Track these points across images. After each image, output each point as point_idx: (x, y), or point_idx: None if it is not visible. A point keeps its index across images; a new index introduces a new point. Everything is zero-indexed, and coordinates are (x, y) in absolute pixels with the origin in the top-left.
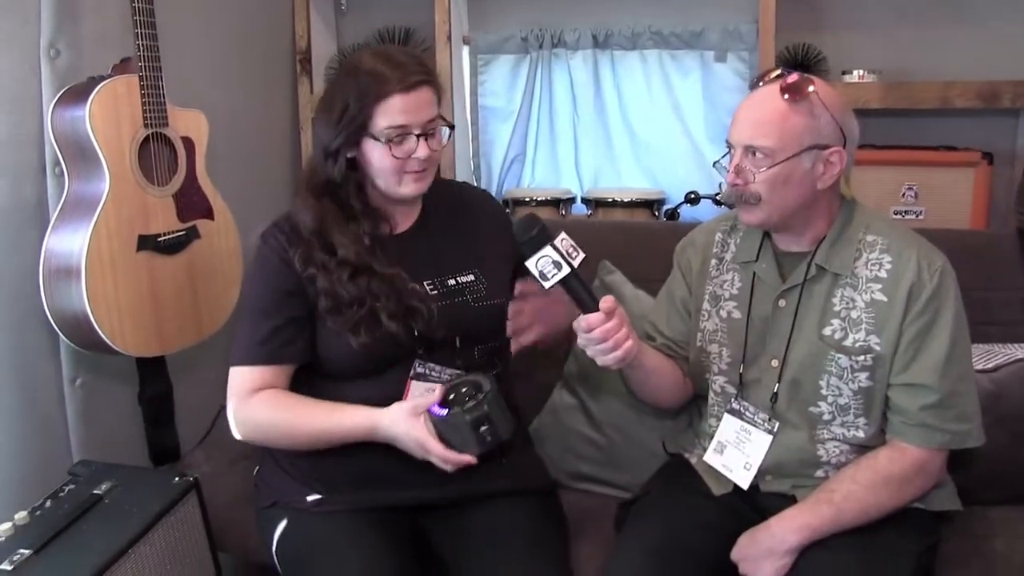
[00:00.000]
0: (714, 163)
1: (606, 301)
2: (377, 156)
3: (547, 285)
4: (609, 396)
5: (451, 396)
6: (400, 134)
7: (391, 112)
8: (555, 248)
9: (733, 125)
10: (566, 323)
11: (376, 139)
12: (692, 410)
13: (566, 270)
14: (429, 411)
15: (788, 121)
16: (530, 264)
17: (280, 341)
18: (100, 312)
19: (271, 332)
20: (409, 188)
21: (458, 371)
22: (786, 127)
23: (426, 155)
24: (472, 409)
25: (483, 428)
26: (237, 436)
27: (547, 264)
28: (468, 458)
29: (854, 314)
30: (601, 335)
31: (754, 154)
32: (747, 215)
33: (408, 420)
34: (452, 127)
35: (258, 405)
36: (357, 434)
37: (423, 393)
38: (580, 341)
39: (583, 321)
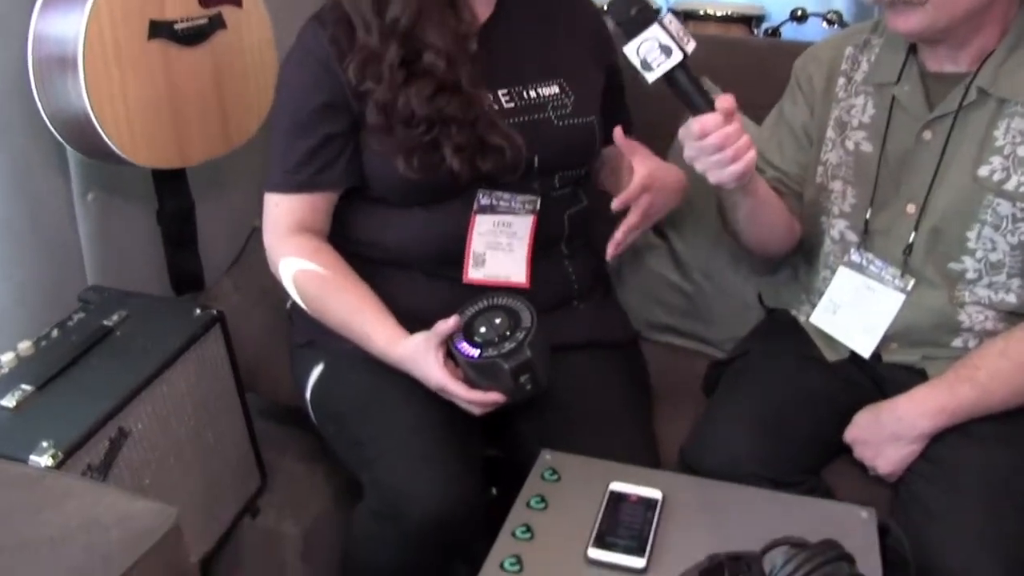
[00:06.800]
0: None
1: (724, 99)
2: None
3: (651, 78)
4: (699, 236)
5: (481, 328)
6: None
7: None
8: (663, 28)
9: None
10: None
11: None
12: (797, 260)
13: (677, 56)
14: (456, 347)
15: None
16: (629, 50)
17: (317, 165)
18: (103, 112)
19: (306, 155)
20: None
21: (534, 197)
22: None
23: None
24: (512, 354)
25: (523, 377)
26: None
27: (652, 49)
28: (496, 396)
29: (1021, 151)
30: (719, 141)
31: None
32: (903, 20)
33: (424, 359)
34: None
35: (291, 262)
36: (373, 348)
37: (490, 230)
38: (689, 152)
39: (695, 124)
